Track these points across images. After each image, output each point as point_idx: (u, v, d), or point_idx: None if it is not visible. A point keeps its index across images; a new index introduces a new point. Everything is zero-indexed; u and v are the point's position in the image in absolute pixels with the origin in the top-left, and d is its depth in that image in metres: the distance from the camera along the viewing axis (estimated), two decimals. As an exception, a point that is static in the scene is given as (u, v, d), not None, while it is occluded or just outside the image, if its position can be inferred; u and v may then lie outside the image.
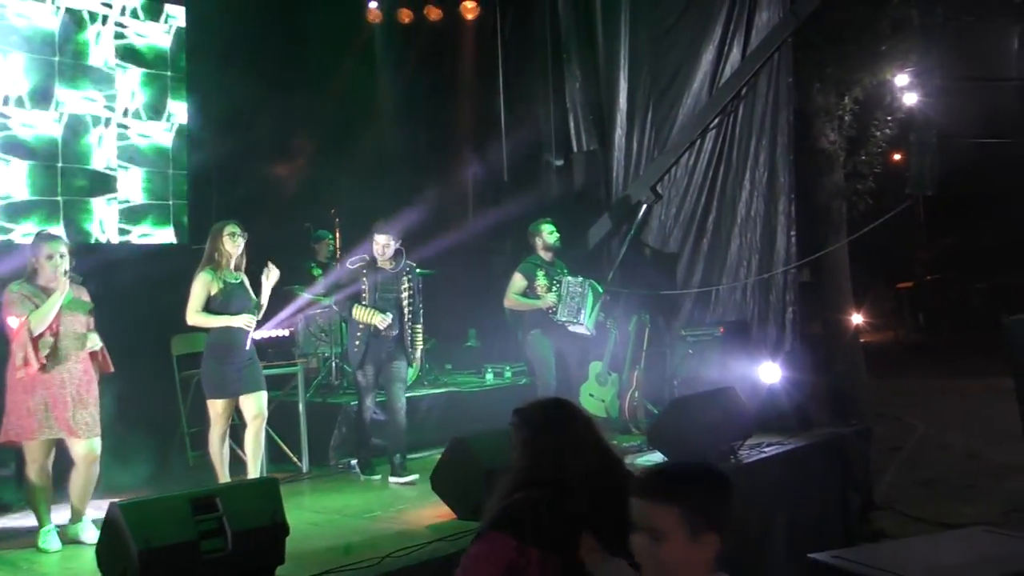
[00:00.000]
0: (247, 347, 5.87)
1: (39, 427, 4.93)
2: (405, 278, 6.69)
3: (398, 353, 6.66)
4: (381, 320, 6.46)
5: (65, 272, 4.99)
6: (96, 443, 5.10)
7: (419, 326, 6.79)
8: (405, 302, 6.67)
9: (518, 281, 7.57)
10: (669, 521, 2.14)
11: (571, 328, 7.55)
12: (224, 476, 5.90)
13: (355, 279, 6.59)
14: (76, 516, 5.13)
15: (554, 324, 7.53)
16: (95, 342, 5.16)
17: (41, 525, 5.03)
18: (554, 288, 7.51)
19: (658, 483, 2.23)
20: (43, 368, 4.92)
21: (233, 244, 5.82)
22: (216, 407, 5.82)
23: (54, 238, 5.20)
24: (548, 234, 7.68)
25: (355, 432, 6.99)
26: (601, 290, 7.83)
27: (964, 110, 7.31)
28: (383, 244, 6.58)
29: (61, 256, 5.01)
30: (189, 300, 5.75)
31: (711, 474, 2.29)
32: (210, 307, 5.76)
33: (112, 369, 5.31)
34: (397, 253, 6.70)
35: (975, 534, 4.23)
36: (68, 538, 5.07)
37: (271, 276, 5.90)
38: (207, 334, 5.88)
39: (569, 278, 7.60)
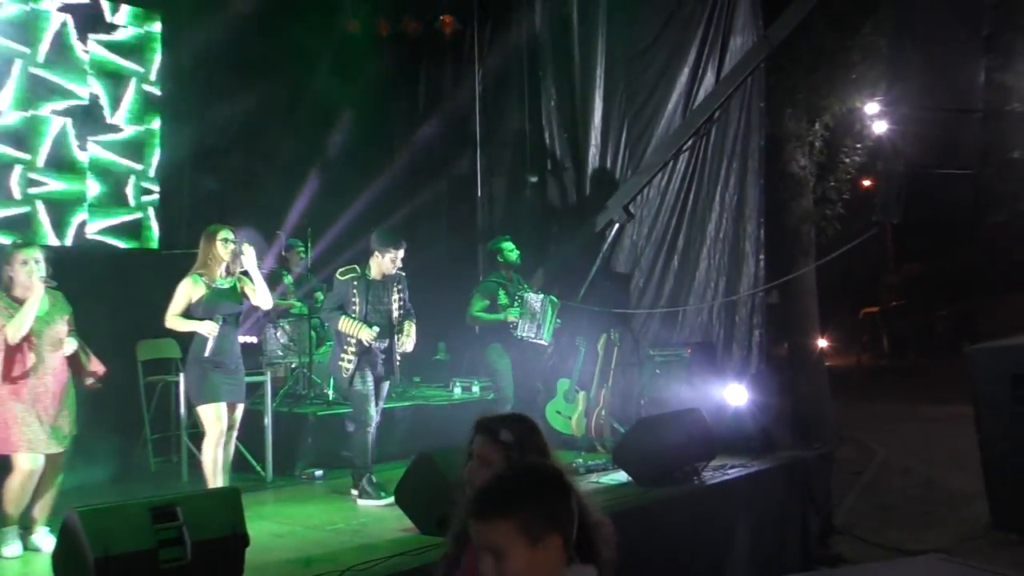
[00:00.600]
0: (235, 353, 5.81)
1: (18, 440, 4.84)
2: (395, 288, 6.51)
3: (386, 370, 6.48)
4: (368, 334, 6.24)
5: (40, 277, 4.93)
6: (63, 452, 5.06)
7: (412, 326, 6.53)
8: (395, 314, 6.49)
9: (479, 300, 7.66)
10: (507, 536, 2.06)
11: (532, 341, 7.63)
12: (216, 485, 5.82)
13: (345, 291, 6.33)
14: (35, 524, 5.05)
15: (514, 339, 7.60)
16: (71, 346, 5.09)
17: (5, 528, 4.92)
18: (516, 304, 7.58)
19: (488, 500, 2.13)
20: (24, 378, 4.86)
21: (226, 249, 5.75)
22: (206, 413, 5.71)
23: (27, 244, 5.15)
24: (508, 251, 7.81)
25: (359, 451, 6.32)
26: (558, 302, 7.90)
27: (931, 140, 7.42)
28: (399, 257, 6.40)
29: (36, 261, 4.96)
30: (171, 303, 5.69)
31: (541, 476, 2.20)
32: (195, 312, 5.67)
33: (102, 369, 5.26)
34: None
35: (931, 562, 4.28)
36: (26, 546, 4.99)
37: (248, 257, 5.80)
38: (193, 340, 5.77)
39: (529, 294, 7.71)
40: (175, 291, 5.69)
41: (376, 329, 6.28)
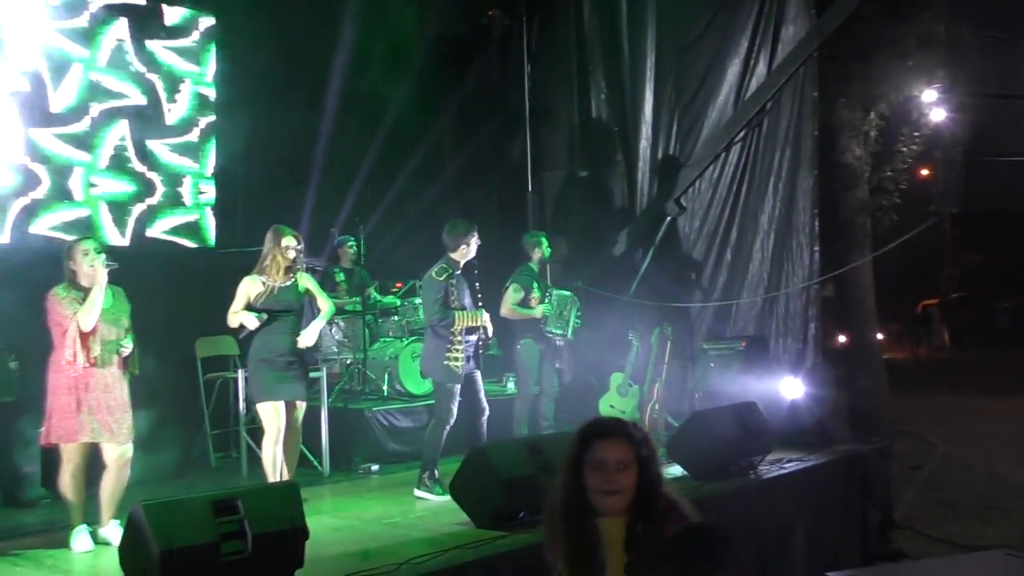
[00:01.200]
0: (290, 351, 5.84)
1: (80, 429, 5.01)
2: (475, 276, 6.61)
3: (476, 361, 6.49)
4: (488, 321, 6.43)
5: (104, 264, 5.09)
6: (129, 447, 5.19)
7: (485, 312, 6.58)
8: (480, 303, 6.55)
9: (516, 292, 7.64)
10: None
11: (556, 340, 7.69)
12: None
13: (443, 289, 6.26)
14: (105, 519, 5.18)
15: (543, 334, 7.63)
16: (128, 345, 5.22)
17: (72, 525, 5.09)
18: (547, 300, 7.61)
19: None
20: (91, 366, 5.01)
21: (286, 256, 5.84)
22: (262, 410, 5.81)
23: (86, 238, 5.36)
24: (546, 247, 7.84)
25: (430, 446, 6.34)
26: (577, 299, 7.92)
27: (990, 126, 7.28)
28: (476, 244, 6.50)
29: (97, 251, 5.13)
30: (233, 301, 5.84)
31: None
32: (253, 310, 5.78)
33: (135, 370, 5.36)
34: None
35: (994, 557, 4.20)
36: (97, 540, 5.12)
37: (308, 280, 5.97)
38: (251, 339, 5.89)
39: (558, 291, 7.78)
40: (236, 289, 5.82)
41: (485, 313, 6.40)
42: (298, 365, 5.91)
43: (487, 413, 6.46)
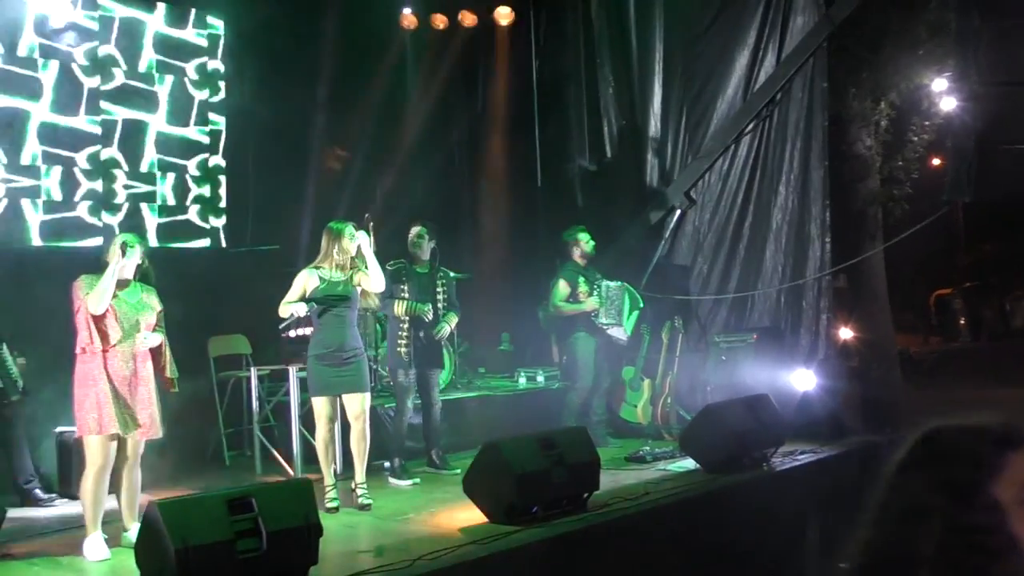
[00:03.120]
0: (347, 346, 5.95)
1: (104, 422, 4.87)
2: (439, 280, 6.90)
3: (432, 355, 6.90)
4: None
5: (126, 248, 5.00)
6: (141, 444, 5.14)
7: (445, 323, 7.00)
8: (440, 303, 6.86)
9: (563, 288, 7.69)
10: None
11: (611, 332, 7.66)
12: (328, 477, 5.99)
13: (394, 280, 6.68)
14: (128, 522, 5.09)
15: (597, 327, 7.61)
16: (156, 337, 5.15)
17: (88, 532, 4.93)
18: (595, 292, 7.60)
19: None
20: (106, 353, 4.94)
21: (353, 243, 5.96)
22: (316, 405, 5.96)
23: (126, 234, 5.29)
24: (585, 242, 7.82)
25: (394, 438, 6.92)
26: (640, 298, 7.87)
27: (1002, 114, 7.23)
28: (412, 233, 6.85)
29: (129, 246, 5.04)
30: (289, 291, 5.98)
31: None
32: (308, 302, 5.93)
33: (171, 384, 5.30)
34: (432, 253, 6.83)
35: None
36: (123, 542, 5.02)
37: (360, 241, 5.99)
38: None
39: (607, 283, 7.69)
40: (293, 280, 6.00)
41: (429, 307, 6.80)
42: (355, 358, 5.97)
43: (437, 406, 6.97)
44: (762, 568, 6.10)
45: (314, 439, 6.11)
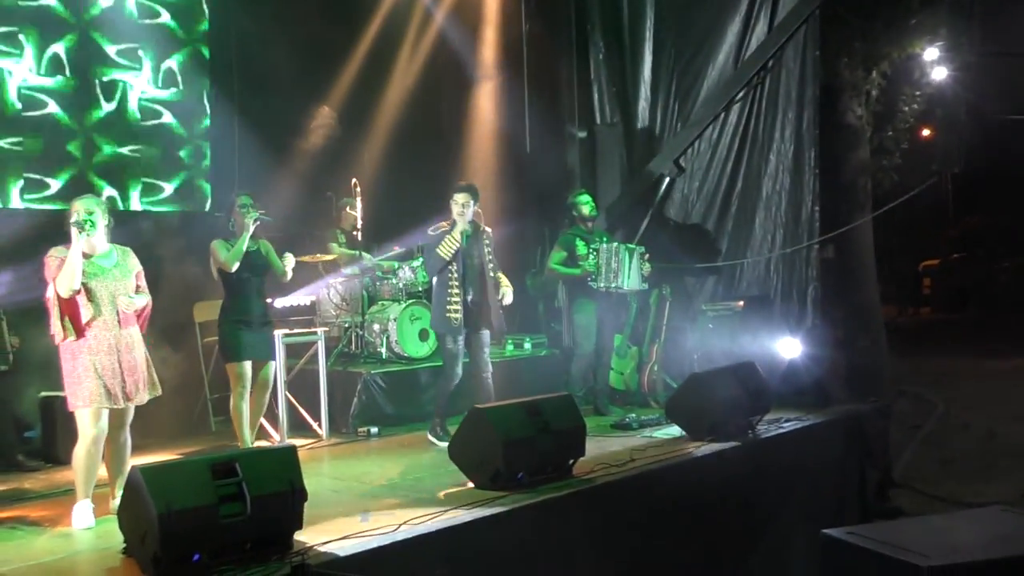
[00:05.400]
0: (262, 312, 6.32)
1: (90, 395, 4.83)
2: (484, 240, 6.72)
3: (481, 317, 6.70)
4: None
5: (84, 224, 4.83)
6: (130, 413, 5.08)
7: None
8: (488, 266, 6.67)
9: (557, 252, 7.76)
10: None
11: (614, 291, 7.64)
12: (245, 442, 6.09)
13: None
14: (115, 491, 5.01)
15: (598, 292, 7.63)
16: (141, 299, 5.07)
17: (78, 498, 4.89)
18: (591, 256, 7.58)
19: None
20: (80, 335, 4.84)
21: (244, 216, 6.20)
22: (236, 370, 6.16)
23: (83, 197, 5.09)
24: (583, 205, 7.81)
25: (437, 399, 6.92)
26: (637, 247, 7.86)
27: (993, 85, 7.20)
28: (460, 204, 6.57)
29: (88, 212, 4.90)
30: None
31: None
32: (225, 274, 6.17)
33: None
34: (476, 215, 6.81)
35: (992, 513, 4.23)
36: (111, 509, 4.90)
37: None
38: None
39: (603, 245, 7.67)
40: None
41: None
42: (270, 326, 6.36)
43: (488, 371, 6.71)
44: (747, 534, 6.15)
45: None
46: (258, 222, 6.13)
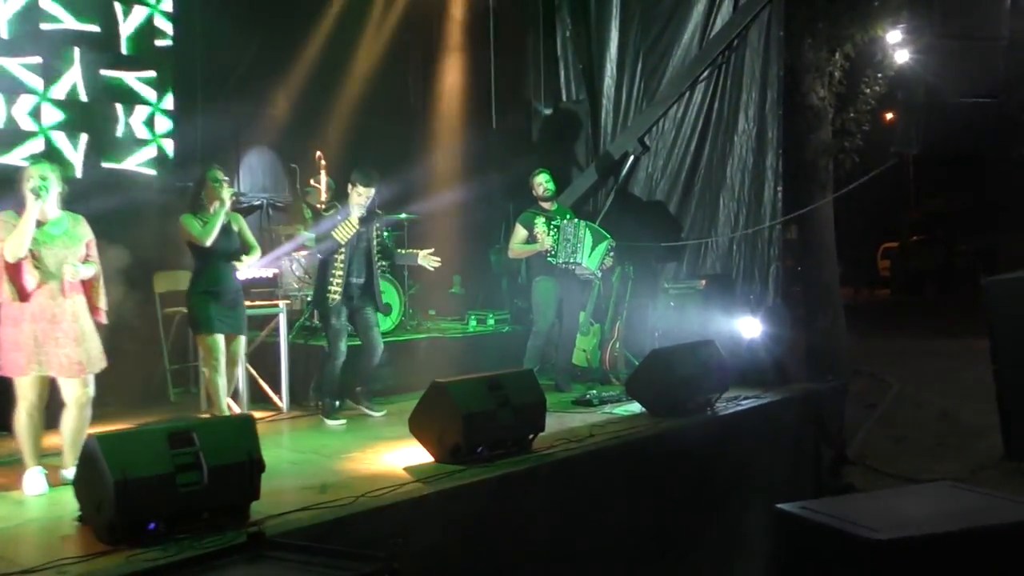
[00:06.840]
0: (234, 287, 6.24)
1: (28, 363, 4.77)
2: (374, 224, 6.85)
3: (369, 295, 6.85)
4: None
5: (40, 191, 4.76)
6: (90, 384, 4.98)
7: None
8: (374, 249, 6.84)
9: (519, 232, 7.80)
10: None
11: (573, 269, 7.67)
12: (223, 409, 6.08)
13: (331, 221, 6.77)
14: (68, 460, 4.93)
15: (558, 270, 7.64)
16: (87, 270, 4.99)
17: (26, 466, 4.86)
18: (551, 233, 7.60)
19: None
20: (25, 299, 4.77)
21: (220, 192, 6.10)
22: (208, 343, 6.09)
23: (36, 162, 5.03)
24: (540, 184, 7.82)
25: (324, 380, 6.87)
26: (605, 233, 7.86)
27: (954, 68, 7.27)
28: (365, 195, 6.66)
29: (43, 178, 4.81)
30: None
31: None
32: (196, 247, 6.08)
33: (103, 318, 5.12)
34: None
35: (940, 488, 4.30)
36: (61, 480, 4.88)
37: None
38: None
39: (564, 221, 7.69)
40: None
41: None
42: (240, 298, 6.29)
43: (380, 349, 6.82)
44: (704, 509, 6.24)
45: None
46: (234, 197, 6.12)
